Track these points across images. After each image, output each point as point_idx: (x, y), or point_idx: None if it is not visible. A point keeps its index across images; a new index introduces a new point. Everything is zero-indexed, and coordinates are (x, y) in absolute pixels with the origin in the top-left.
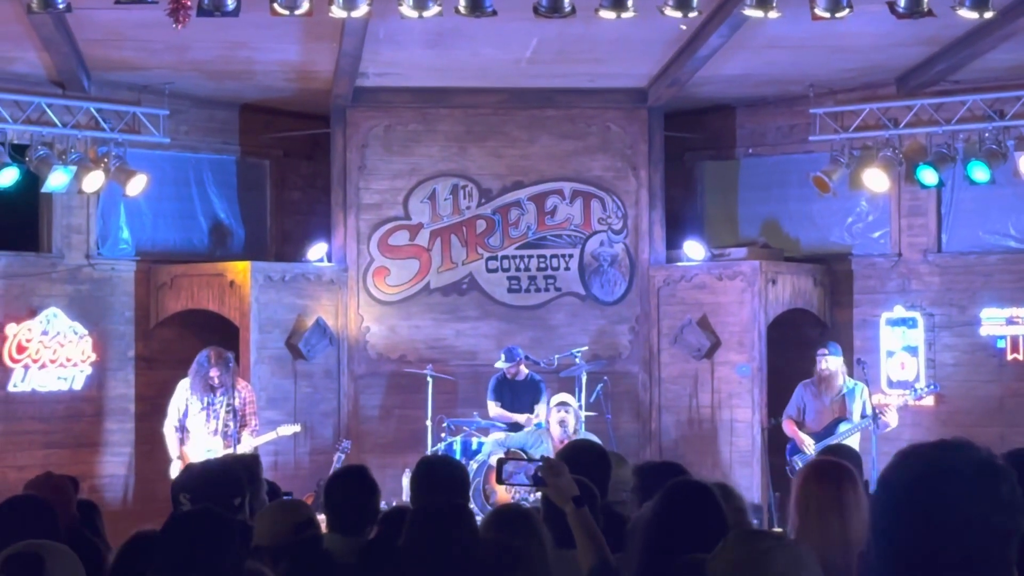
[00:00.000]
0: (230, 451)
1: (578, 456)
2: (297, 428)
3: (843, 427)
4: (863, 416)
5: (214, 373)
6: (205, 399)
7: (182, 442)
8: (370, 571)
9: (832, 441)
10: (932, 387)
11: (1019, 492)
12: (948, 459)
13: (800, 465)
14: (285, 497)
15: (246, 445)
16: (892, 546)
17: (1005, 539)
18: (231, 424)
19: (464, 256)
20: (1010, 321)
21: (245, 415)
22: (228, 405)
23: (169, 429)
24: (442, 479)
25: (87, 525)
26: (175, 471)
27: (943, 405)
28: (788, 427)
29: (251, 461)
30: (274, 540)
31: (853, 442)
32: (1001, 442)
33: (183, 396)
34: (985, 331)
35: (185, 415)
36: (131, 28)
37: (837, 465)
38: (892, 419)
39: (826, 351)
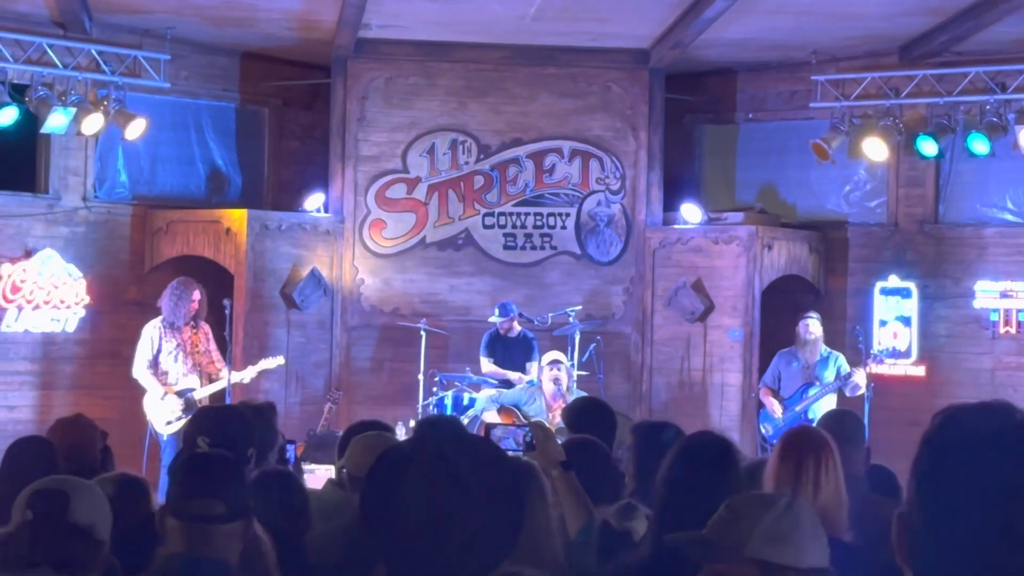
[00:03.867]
0: (210, 388)
1: (585, 413)
2: (280, 361)
3: (812, 391)
4: (835, 379)
5: (197, 296)
6: (177, 337)
7: (160, 380)
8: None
9: (799, 407)
10: (882, 354)
11: None
12: (992, 420)
13: (769, 431)
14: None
15: (235, 379)
16: (935, 507)
17: None
18: (203, 362)
19: (461, 211)
20: (1004, 295)
21: (211, 351)
22: (195, 346)
23: (141, 370)
24: (444, 434)
25: (103, 469)
26: (156, 406)
27: (934, 376)
28: (763, 394)
29: (267, 409)
30: (358, 471)
31: (829, 403)
32: None
33: (154, 335)
34: (978, 304)
35: (158, 353)
36: None
37: (806, 437)
38: (860, 379)
39: (813, 316)
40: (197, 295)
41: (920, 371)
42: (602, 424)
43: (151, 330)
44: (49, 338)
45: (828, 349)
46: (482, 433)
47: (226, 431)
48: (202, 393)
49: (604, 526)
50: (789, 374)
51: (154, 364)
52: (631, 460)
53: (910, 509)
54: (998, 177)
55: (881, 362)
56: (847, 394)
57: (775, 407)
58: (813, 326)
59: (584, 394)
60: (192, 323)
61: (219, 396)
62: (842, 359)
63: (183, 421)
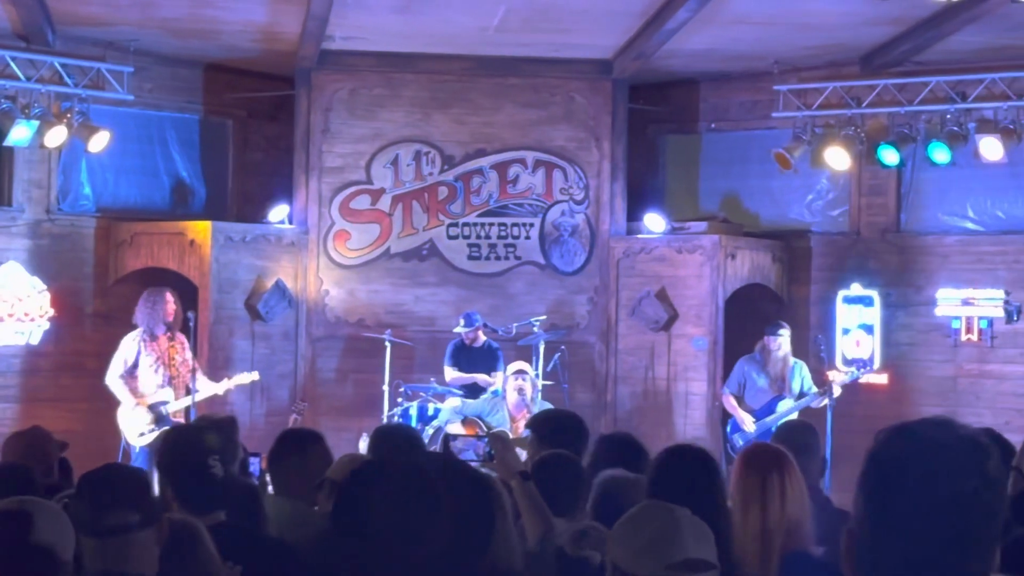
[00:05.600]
0: (185, 401)
1: (557, 425)
2: (255, 376)
3: (782, 405)
4: (802, 394)
5: (170, 299)
6: (156, 349)
7: (133, 391)
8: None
9: (770, 419)
10: (866, 367)
11: (1003, 469)
12: (937, 436)
13: (740, 443)
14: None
15: (204, 392)
16: (882, 522)
17: (993, 515)
18: (181, 373)
19: (425, 222)
20: (965, 302)
21: (187, 360)
22: (171, 358)
23: (114, 379)
24: (400, 443)
25: (63, 483)
26: (129, 417)
27: (897, 384)
28: (728, 402)
29: (227, 424)
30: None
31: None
32: None
33: (131, 347)
34: (940, 311)
35: (135, 364)
36: None
37: (766, 453)
38: (836, 391)
39: (781, 331)
40: (169, 297)
41: (883, 379)
42: (573, 436)
43: (130, 341)
44: (13, 351)
45: (794, 359)
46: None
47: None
48: (176, 406)
49: (560, 553)
50: (756, 385)
51: (131, 375)
52: (591, 472)
53: (858, 524)
54: (959, 186)
55: (856, 379)
56: (813, 405)
57: (746, 420)
58: (783, 343)
59: (549, 405)
60: (168, 333)
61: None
62: (805, 370)
63: (155, 434)
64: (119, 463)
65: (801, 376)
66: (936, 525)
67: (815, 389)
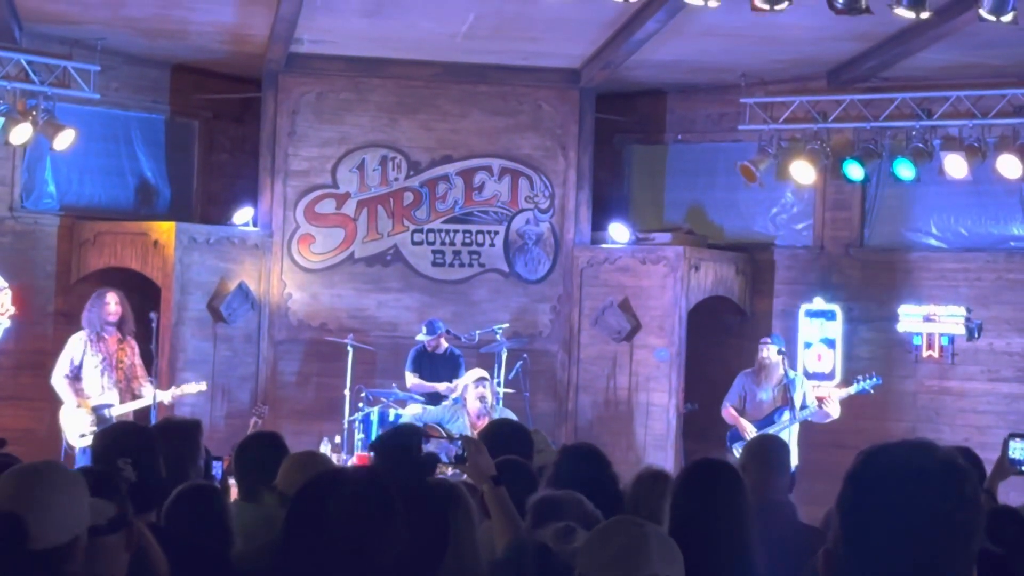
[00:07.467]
0: (130, 405)
1: (502, 436)
2: (203, 387)
3: (784, 417)
4: (803, 407)
5: (110, 300)
6: (103, 351)
7: (78, 392)
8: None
9: (771, 430)
10: (876, 379)
11: (979, 491)
12: (913, 458)
13: (738, 454)
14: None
15: (148, 399)
16: (860, 542)
17: (968, 536)
18: (125, 377)
19: (390, 227)
20: (927, 319)
21: (135, 365)
22: (120, 360)
23: (59, 379)
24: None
25: None
26: (70, 418)
27: (857, 399)
28: (728, 414)
29: (191, 427)
30: (289, 488)
31: (793, 431)
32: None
33: (78, 347)
34: (902, 327)
35: (80, 366)
36: None
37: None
38: (834, 410)
39: (768, 340)
40: (110, 298)
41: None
42: (519, 446)
43: (76, 341)
44: None
45: (794, 372)
46: None
47: (138, 447)
48: (120, 410)
49: (542, 550)
50: (757, 397)
51: (75, 376)
52: (551, 481)
53: (835, 545)
54: (923, 202)
55: (867, 392)
56: (813, 420)
57: (747, 428)
58: (767, 351)
59: (509, 412)
60: (119, 336)
61: (144, 413)
62: (806, 384)
63: None
64: (95, 468)
65: (803, 389)
66: (913, 545)
67: (815, 404)
